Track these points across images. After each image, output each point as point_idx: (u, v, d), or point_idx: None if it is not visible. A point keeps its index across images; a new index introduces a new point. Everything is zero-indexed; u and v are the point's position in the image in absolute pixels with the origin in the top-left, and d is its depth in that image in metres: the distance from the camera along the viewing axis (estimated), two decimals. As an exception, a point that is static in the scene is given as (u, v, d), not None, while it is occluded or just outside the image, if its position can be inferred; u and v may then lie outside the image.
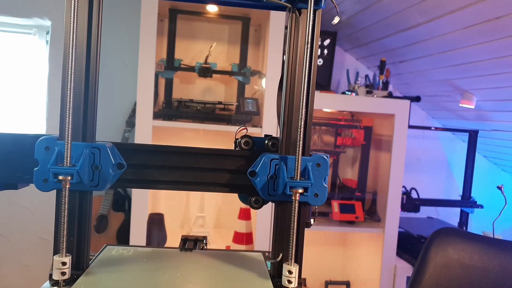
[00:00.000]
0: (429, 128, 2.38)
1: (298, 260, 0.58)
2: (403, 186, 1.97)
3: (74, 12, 0.52)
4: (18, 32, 2.26)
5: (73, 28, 0.52)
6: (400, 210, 1.88)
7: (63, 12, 0.54)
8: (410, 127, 1.93)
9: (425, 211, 2.35)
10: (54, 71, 2.21)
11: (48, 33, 2.23)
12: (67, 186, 0.52)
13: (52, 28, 2.20)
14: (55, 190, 0.55)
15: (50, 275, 0.53)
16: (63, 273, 0.52)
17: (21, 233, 2.24)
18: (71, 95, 0.52)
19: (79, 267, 0.56)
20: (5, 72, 2.25)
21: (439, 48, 1.75)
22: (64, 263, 0.52)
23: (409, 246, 1.97)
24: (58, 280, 0.52)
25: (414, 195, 2.13)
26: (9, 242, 2.24)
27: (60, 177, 0.51)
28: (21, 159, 0.56)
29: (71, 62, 0.52)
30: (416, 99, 1.95)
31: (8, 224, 2.22)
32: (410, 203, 2.08)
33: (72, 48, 0.52)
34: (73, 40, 0.52)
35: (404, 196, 2.07)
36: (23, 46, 2.27)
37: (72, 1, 0.51)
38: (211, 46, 1.83)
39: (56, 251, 0.54)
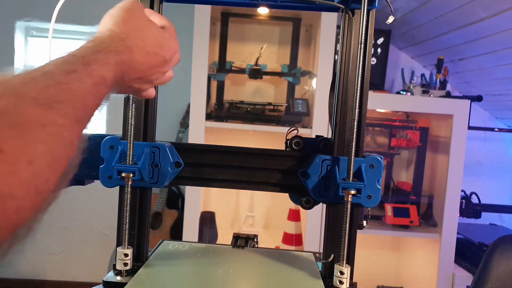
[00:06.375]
0: (492, 129, 2.23)
1: (350, 262, 0.57)
2: (462, 190, 1.86)
3: (136, 19, 0.55)
4: (83, 39, 2.42)
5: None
6: (458, 215, 1.78)
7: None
8: (470, 128, 1.83)
9: (487, 218, 2.20)
10: (114, 75, 2.35)
11: (109, 39, 2.37)
12: (129, 183, 0.56)
13: (113, 35, 2.33)
14: (118, 187, 0.59)
15: (114, 266, 0.56)
16: (125, 264, 0.56)
17: (83, 227, 2.40)
18: (133, 98, 0.56)
19: (140, 259, 0.60)
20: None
21: (504, 44, 1.64)
22: (126, 255, 0.56)
23: (469, 253, 1.86)
24: (121, 270, 0.56)
25: (474, 200, 2.00)
26: (73, 235, 2.41)
27: (123, 174, 0.55)
28: (88, 157, 0.60)
29: (134, 67, 0.55)
30: (477, 98, 1.85)
31: (73, 218, 2.39)
32: (470, 208, 1.96)
33: (135, 53, 0.55)
34: (135, 45, 0.55)
35: (463, 200, 1.96)
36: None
37: (135, 9, 0.55)
38: (262, 48, 1.84)
39: (119, 243, 0.58)
